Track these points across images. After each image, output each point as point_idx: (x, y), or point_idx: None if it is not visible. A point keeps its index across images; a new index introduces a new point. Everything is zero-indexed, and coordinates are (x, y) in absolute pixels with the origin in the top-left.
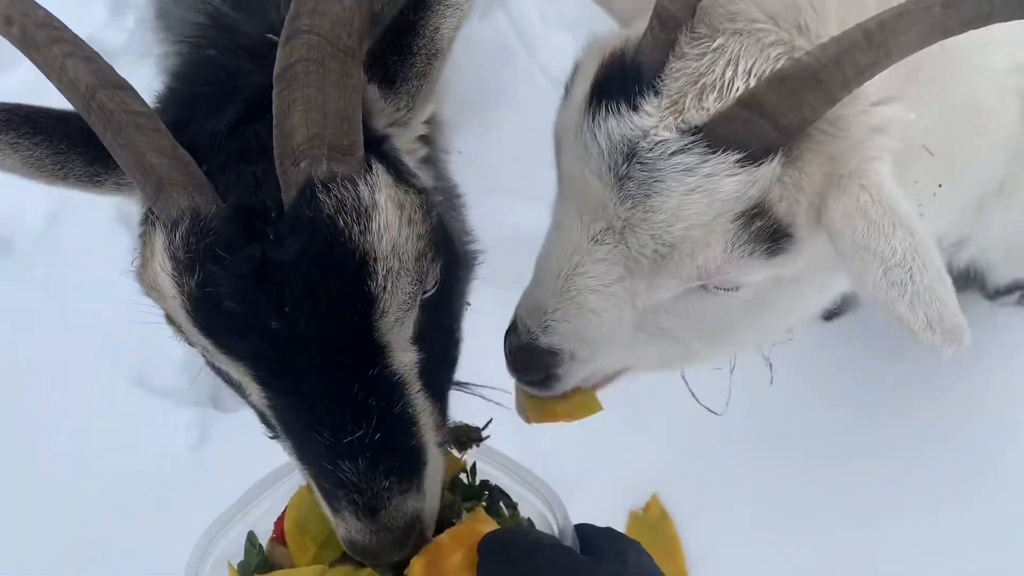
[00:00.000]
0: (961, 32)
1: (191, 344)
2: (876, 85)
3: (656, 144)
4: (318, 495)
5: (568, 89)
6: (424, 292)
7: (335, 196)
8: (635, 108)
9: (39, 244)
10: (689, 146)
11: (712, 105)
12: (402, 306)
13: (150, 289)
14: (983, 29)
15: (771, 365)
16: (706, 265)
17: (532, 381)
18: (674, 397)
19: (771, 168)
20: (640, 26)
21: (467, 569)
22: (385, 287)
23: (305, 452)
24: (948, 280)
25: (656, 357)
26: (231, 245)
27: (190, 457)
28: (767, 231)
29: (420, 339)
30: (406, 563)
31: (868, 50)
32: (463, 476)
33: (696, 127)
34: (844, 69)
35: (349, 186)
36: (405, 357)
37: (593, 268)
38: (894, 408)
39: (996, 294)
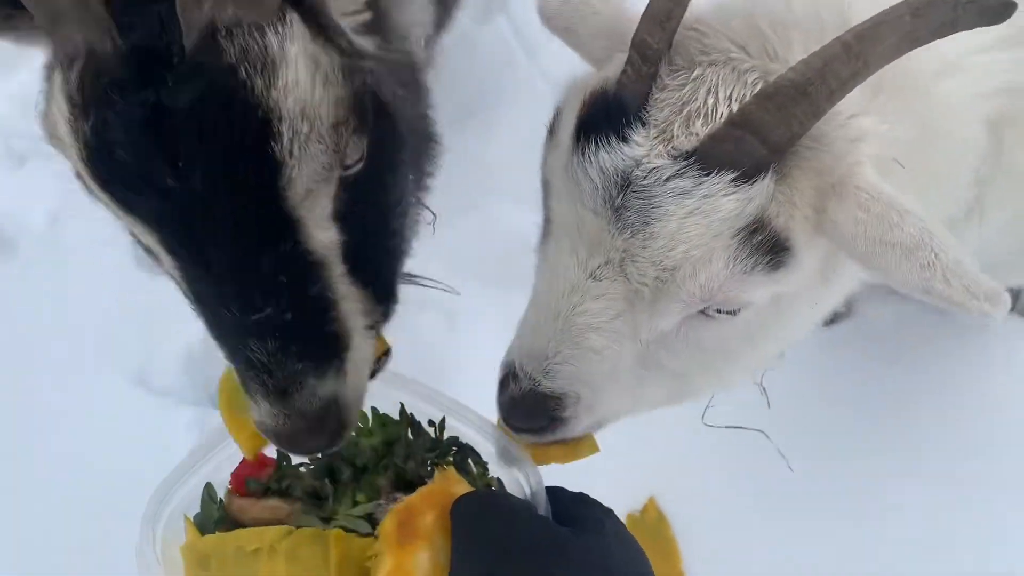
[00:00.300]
0: (930, 40)
1: (98, 201)
2: (849, 100)
3: (650, 171)
4: (235, 376)
5: (553, 132)
6: (345, 166)
7: (239, 43)
8: (624, 140)
9: (41, 244)
10: (683, 170)
11: (700, 130)
12: (314, 177)
13: (51, 137)
14: (944, 55)
15: (765, 390)
16: (708, 283)
17: (533, 429)
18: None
19: (765, 185)
20: (615, 66)
21: (439, 531)
22: (292, 151)
23: (217, 329)
24: (965, 250)
25: (658, 397)
26: (124, 88)
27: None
28: (767, 244)
29: (344, 219)
30: (376, 523)
31: (848, 61)
32: (431, 430)
33: (687, 152)
34: (828, 81)
35: (256, 34)
36: (323, 235)
37: (593, 305)
38: (893, 410)
39: None
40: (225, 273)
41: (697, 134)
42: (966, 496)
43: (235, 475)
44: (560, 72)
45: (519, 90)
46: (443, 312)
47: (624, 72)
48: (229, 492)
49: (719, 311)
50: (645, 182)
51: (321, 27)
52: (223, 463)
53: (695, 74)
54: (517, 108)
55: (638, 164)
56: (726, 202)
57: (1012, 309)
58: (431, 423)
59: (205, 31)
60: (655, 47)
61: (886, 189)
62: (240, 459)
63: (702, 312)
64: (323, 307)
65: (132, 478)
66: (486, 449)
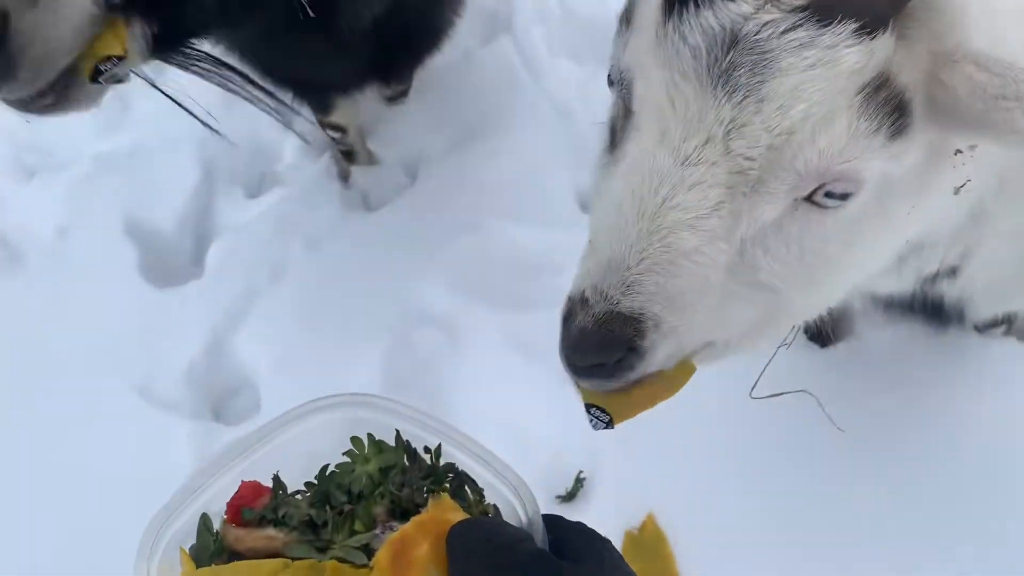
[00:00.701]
0: None
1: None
2: None
3: (764, 25)
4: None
5: (627, 19)
6: None
7: None
8: None
9: (49, 257)
10: (800, 22)
11: None
12: None
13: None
14: None
15: (788, 345)
16: (829, 148)
17: (600, 373)
18: (670, 415)
19: (887, 38)
20: None
21: (435, 560)
22: None
23: None
24: None
25: (745, 320)
26: None
27: (193, 468)
28: (891, 104)
29: None
30: (373, 552)
31: None
32: (427, 457)
33: (802, 5)
34: None
35: None
36: None
37: (687, 197)
38: (891, 432)
39: (978, 329)
40: None
41: None
42: (963, 518)
43: (231, 504)
44: (564, 94)
45: (522, 111)
46: (444, 329)
47: None
48: (225, 522)
49: (829, 195)
50: (759, 36)
51: None
52: (219, 492)
53: None
54: (520, 130)
55: (747, 19)
56: (849, 53)
57: (1008, 332)
58: (427, 450)
59: None
60: None
61: (996, 51)
62: (236, 489)
63: (808, 200)
64: None
65: (134, 488)
66: (483, 476)
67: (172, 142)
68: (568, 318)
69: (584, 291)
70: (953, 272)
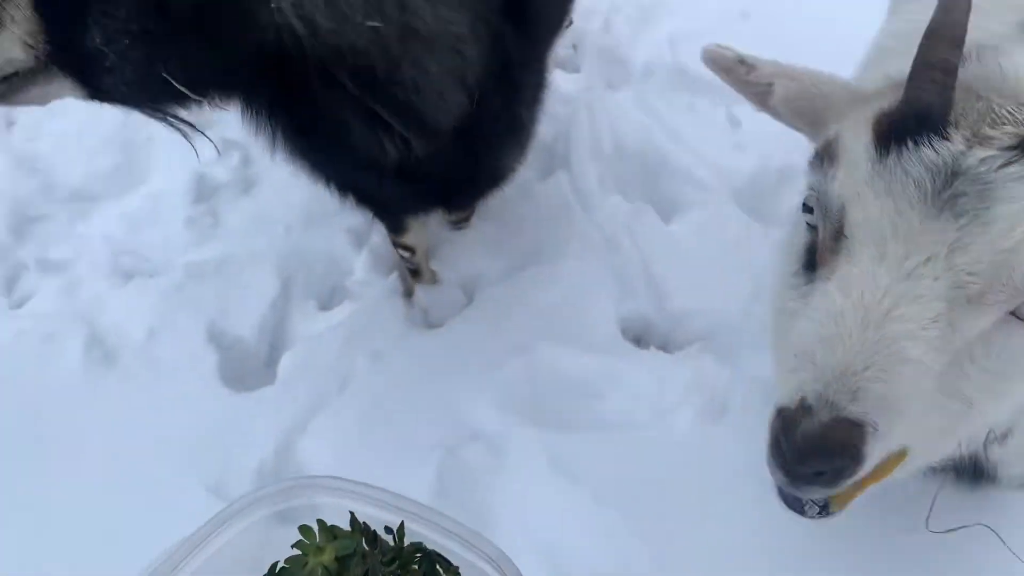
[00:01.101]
0: None
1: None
2: None
3: (982, 160)
4: None
5: (831, 157)
6: None
7: None
8: (945, 137)
9: (139, 357)
10: (1013, 159)
11: (1008, 131)
12: None
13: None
14: None
15: None
16: None
17: (821, 480)
18: (669, 494)
19: None
20: (889, 96)
21: None
22: None
23: None
24: None
25: (936, 427)
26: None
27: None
28: None
29: None
30: None
31: None
32: (389, 538)
33: (1011, 145)
34: None
35: None
36: None
37: (911, 309)
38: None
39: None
40: None
41: (1008, 134)
42: None
43: None
44: (613, 227)
45: (574, 241)
46: (492, 447)
47: (921, 89)
48: None
49: None
50: (980, 169)
51: None
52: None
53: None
54: (572, 258)
55: (964, 155)
56: None
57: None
58: (388, 530)
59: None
60: (953, 62)
61: None
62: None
63: (1016, 315)
64: None
65: None
66: (456, 552)
67: (256, 255)
68: (788, 427)
69: (805, 398)
70: (1004, 437)
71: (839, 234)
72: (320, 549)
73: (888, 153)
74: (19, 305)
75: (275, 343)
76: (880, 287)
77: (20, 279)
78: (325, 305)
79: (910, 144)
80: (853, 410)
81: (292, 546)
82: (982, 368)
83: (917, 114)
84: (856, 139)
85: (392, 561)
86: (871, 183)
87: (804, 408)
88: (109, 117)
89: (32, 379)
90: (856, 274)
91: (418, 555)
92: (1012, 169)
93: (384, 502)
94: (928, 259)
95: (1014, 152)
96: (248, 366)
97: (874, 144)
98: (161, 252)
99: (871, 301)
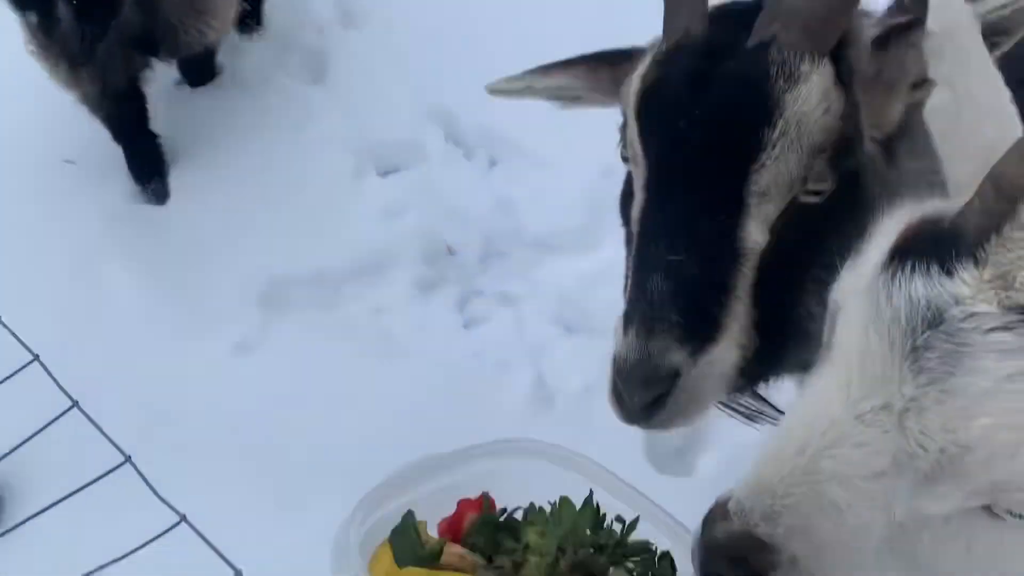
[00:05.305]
0: None
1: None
2: None
3: (971, 315)
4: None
5: (860, 250)
6: (805, 188)
7: (779, 56)
8: (949, 272)
9: (574, 408)
10: (1014, 325)
11: None
12: (777, 179)
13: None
14: None
15: None
16: (1009, 482)
17: None
18: None
19: None
20: (957, 201)
21: None
22: (775, 143)
23: (639, 259)
24: None
25: None
26: (691, 55)
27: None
28: None
29: (779, 236)
30: None
31: None
32: (616, 527)
33: (1022, 306)
34: None
35: (793, 55)
36: (755, 233)
37: (851, 453)
38: None
39: None
40: (671, 212)
41: None
42: None
43: (451, 521)
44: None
45: None
46: None
47: (970, 203)
48: (439, 533)
49: (1010, 513)
50: (962, 325)
51: (846, 78)
52: (428, 496)
53: None
54: None
55: (957, 302)
56: None
57: None
58: (619, 519)
59: (766, 39)
60: (1016, 183)
61: None
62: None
63: (984, 507)
64: (721, 289)
65: None
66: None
67: None
68: (706, 523)
69: (736, 499)
70: None
71: (829, 340)
72: (560, 520)
73: (890, 268)
74: (467, 325)
75: None
76: (828, 417)
77: (470, 302)
78: None
79: (909, 267)
80: (765, 530)
81: (525, 509)
82: (935, 553)
83: (941, 234)
84: (884, 239)
85: (616, 546)
86: (863, 297)
87: (723, 511)
88: (585, 177)
89: (488, 400)
90: (818, 391)
91: (642, 555)
92: (1001, 337)
93: (625, 493)
94: (884, 407)
95: (1019, 316)
96: None
97: (889, 252)
98: (606, 315)
99: (816, 429)
